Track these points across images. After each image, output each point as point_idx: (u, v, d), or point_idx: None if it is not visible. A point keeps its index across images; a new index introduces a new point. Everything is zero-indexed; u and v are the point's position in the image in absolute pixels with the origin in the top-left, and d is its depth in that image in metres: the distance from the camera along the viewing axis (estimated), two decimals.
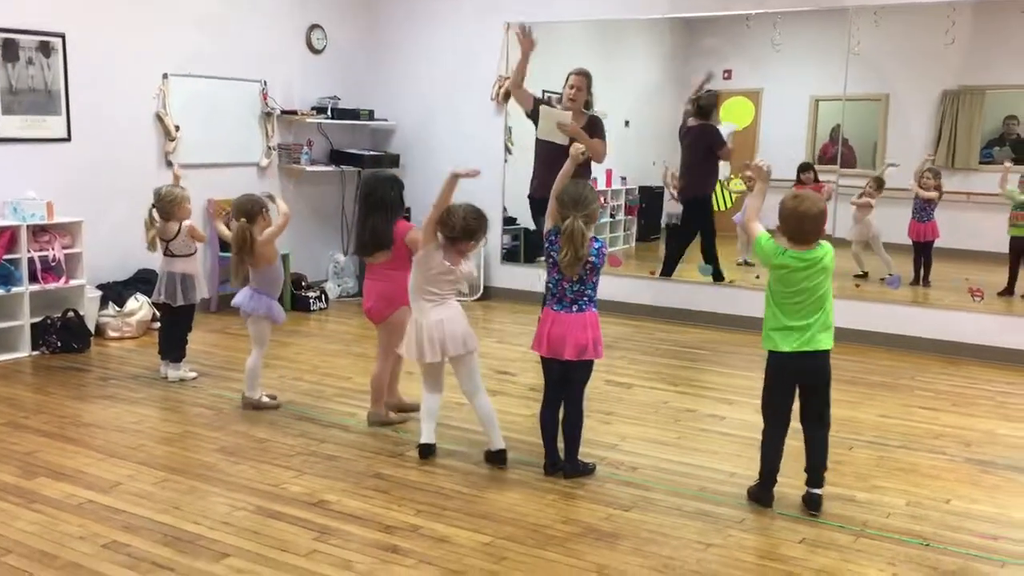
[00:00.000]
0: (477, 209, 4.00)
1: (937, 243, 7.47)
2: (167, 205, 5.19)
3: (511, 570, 3.09)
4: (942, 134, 7.94)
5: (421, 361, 4.02)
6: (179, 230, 5.22)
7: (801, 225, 3.49)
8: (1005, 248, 7.00)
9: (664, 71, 9.11)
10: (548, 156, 5.71)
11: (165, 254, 5.27)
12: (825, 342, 3.52)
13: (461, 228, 3.92)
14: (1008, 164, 7.14)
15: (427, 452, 4.13)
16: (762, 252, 3.59)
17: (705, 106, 7.34)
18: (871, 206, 7.53)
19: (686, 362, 5.94)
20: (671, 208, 8.67)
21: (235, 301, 4.85)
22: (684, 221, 7.57)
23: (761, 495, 3.67)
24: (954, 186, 7.64)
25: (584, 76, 6.06)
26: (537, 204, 6.10)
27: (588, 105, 6.07)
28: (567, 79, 6.08)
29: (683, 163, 7.58)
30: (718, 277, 7.34)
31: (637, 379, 5.60)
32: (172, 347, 5.35)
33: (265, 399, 4.85)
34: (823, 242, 3.54)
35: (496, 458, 4.06)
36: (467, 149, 8.05)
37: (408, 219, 4.77)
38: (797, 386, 3.58)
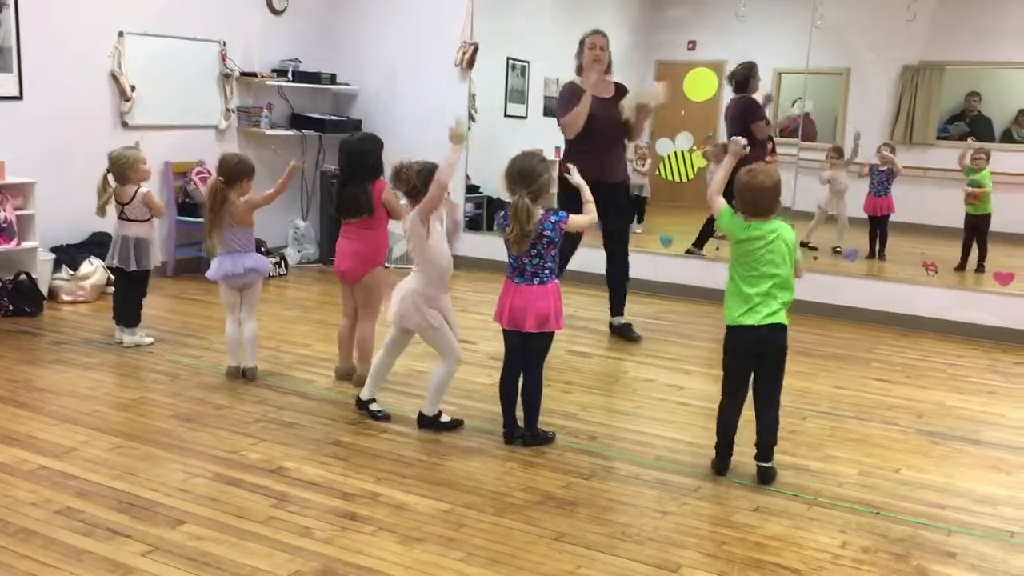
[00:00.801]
0: (429, 162, 3.95)
1: (893, 217, 7.59)
2: (121, 168, 5.07)
3: (470, 537, 3.10)
4: (901, 109, 8.04)
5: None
6: (135, 194, 5.11)
7: (756, 198, 3.52)
8: (960, 223, 7.13)
9: (629, 42, 9.08)
10: (598, 139, 5.50)
11: (120, 217, 5.16)
12: (783, 315, 3.56)
13: (418, 179, 3.87)
14: (970, 140, 7.23)
15: (361, 406, 4.19)
16: (728, 225, 3.61)
17: (740, 80, 6.99)
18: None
19: (645, 332, 5.97)
20: (634, 179, 8.68)
21: (233, 270, 4.60)
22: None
23: (716, 465, 3.72)
24: (911, 161, 7.75)
25: (605, 36, 5.59)
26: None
27: (608, 68, 5.64)
28: (582, 42, 5.62)
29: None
30: (699, 246, 7.33)
31: (597, 349, 5.64)
32: (127, 312, 5.27)
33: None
34: (778, 219, 3.56)
35: (421, 420, 4.09)
36: (430, 116, 7.97)
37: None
38: (759, 360, 3.62)
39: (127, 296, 5.27)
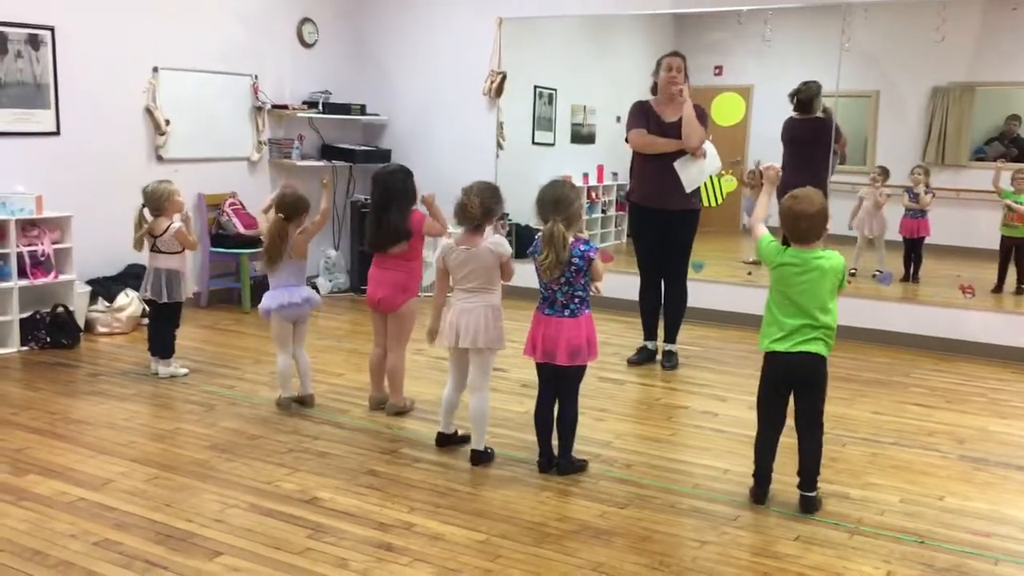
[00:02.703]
0: (487, 185, 3.99)
1: (927, 240, 7.50)
2: (156, 202, 5.14)
3: (507, 568, 3.07)
4: (932, 130, 7.97)
5: (445, 345, 4.04)
6: (167, 228, 5.13)
7: (797, 224, 3.48)
8: (994, 244, 7.04)
9: (655, 67, 9.10)
10: (658, 164, 5.50)
11: (152, 250, 5.21)
12: (820, 347, 3.50)
13: (480, 211, 3.90)
14: (1000, 163, 7.15)
15: (441, 441, 4.18)
16: (764, 254, 3.58)
17: (805, 100, 6.91)
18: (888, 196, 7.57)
19: (679, 359, 5.93)
20: None
21: (290, 299, 4.66)
22: None
23: (755, 493, 3.67)
24: (944, 183, 7.67)
25: (682, 58, 5.54)
26: (635, 209, 5.84)
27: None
28: (659, 63, 5.57)
29: (793, 162, 6.86)
30: None
31: (630, 376, 5.60)
32: (161, 344, 5.31)
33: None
34: (830, 249, 3.52)
35: (475, 457, 4.04)
36: (459, 144, 8.03)
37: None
38: (791, 387, 3.58)
39: (160, 327, 5.32)
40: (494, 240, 3.96)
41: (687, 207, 5.61)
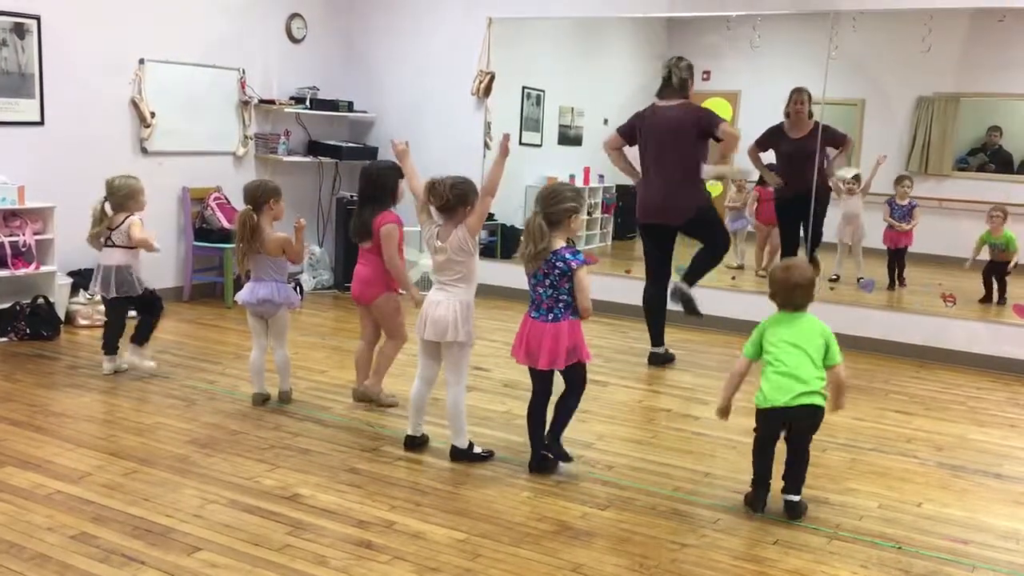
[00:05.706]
0: (461, 176, 3.99)
1: (909, 248, 7.55)
2: (121, 199, 5.00)
3: (487, 567, 3.07)
4: (916, 140, 8.03)
5: (417, 336, 4.03)
6: (124, 220, 4.99)
7: (792, 295, 3.57)
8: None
9: (644, 70, 9.11)
10: (652, 180, 5.57)
11: (106, 243, 5.03)
12: (821, 399, 3.52)
13: (451, 193, 3.88)
14: (974, 255, 7.08)
15: (409, 443, 4.13)
16: (754, 339, 3.63)
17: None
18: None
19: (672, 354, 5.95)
20: None
21: (248, 298, 4.60)
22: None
23: (752, 500, 3.65)
24: (927, 192, 7.73)
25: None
26: (641, 227, 5.87)
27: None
28: (690, 67, 5.74)
29: (785, 171, 7.16)
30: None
31: (612, 378, 5.60)
32: (108, 337, 5.15)
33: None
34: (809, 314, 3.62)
35: (455, 453, 4.04)
36: (446, 143, 8.02)
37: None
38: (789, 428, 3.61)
39: (113, 322, 5.17)
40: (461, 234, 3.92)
41: (691, 216, 5.61)
